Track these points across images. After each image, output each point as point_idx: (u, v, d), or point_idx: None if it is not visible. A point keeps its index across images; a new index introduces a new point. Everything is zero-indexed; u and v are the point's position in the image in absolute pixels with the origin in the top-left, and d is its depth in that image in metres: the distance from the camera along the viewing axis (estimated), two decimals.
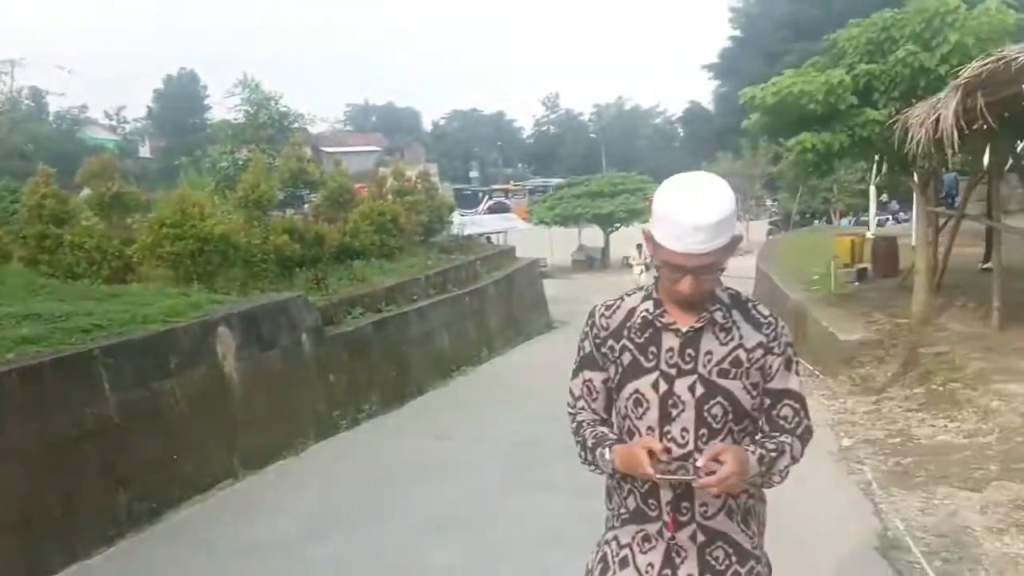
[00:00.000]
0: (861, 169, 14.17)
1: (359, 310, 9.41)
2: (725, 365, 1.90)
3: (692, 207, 1.74)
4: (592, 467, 2.04)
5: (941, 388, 7.24)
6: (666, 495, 1.92)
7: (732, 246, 1.82)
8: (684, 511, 1.92)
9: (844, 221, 29.72)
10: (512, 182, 74.92)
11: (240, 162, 15.43)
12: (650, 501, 1.95)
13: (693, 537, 1.93)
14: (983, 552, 4.30)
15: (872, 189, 20.81)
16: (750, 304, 1.99)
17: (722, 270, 1.86)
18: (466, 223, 20.67)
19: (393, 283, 10.75)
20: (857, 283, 13.06)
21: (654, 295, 1.97)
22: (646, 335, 1.94)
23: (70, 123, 49.89)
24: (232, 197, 10.76)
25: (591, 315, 2.06)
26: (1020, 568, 4.07)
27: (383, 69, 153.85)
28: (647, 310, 1.95)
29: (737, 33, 58.12)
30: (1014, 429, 5.88)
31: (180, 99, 62.93)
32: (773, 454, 1.90)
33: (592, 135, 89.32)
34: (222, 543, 5.06)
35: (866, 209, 22.88)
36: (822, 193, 30.51)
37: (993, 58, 5.89)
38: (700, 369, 1.90)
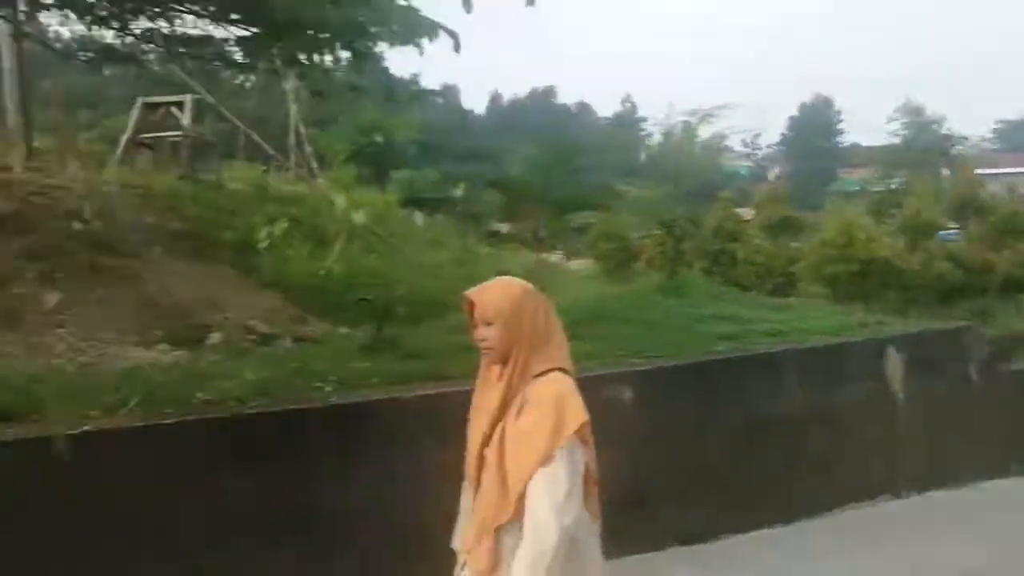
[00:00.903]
0: None
1: None
2: None
3: None
4: None
5: None
6: None
7: None
8: None
9: None
10: None
11: (893, 186, 15.20)
12: None
13: None
14: None
15: None
16: None
17: None
18: None
19: None
20: None
21: None
22: None
23: (713, 151, 55.46)
24: (890, 221, 10.74)
25: None
26: None
27: None
28: None
29: None
30: None
31: (813, 125, 64.44)
32: None
33: None
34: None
35: None
36: None
37: None
38: None
